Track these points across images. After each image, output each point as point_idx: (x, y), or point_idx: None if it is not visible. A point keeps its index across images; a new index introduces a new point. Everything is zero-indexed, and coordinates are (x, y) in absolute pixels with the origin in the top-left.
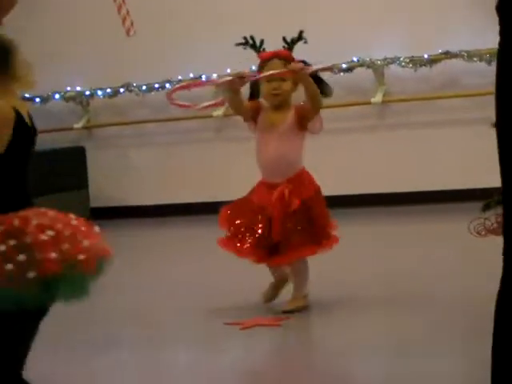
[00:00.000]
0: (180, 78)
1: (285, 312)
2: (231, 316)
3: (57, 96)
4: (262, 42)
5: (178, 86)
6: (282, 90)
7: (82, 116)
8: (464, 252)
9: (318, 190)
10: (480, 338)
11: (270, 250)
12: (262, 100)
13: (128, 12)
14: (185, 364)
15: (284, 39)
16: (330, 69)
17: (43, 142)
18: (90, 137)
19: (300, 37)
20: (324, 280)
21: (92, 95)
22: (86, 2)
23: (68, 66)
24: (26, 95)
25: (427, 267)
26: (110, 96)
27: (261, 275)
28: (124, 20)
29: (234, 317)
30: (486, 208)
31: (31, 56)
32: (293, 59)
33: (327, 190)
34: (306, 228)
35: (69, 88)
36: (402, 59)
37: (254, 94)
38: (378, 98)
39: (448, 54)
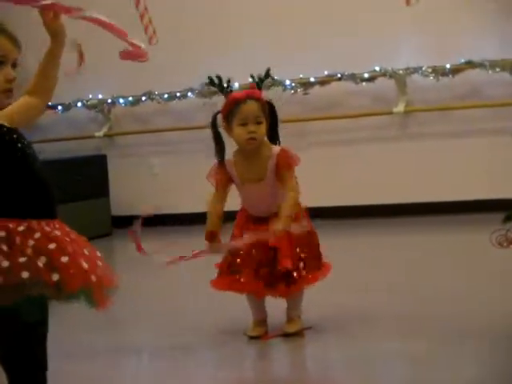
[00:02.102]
0: (201, 86)
1: (288, 334)
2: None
3: (79, 104)
4: (228, 81)
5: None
6: (259, 134)
7: (103, 124)
8: (487, 264)
9: (307, 215)
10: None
11: (269, 281)
12: (227, 160)
13: (150, 20)
14: (204, 374)
15: (252, 77)
16: (303, 227)
17: (65, 150)
18: (111, 145)
19: (267, 74)
20: (341, 291)
21: (114, 103)
22: (107, 10)
23: (90, 74)
24: (49, 103)
25: (451, 284)
26: (132, 104)
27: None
28: (146, 28)
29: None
30: (508, 219)
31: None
32: (263, 100)
33: (349, 201)
34: (309, 254)
35: (91, 96)
36: (424, 69)
37: (220, 144)
38: (399, 107)
39: (470, 64)
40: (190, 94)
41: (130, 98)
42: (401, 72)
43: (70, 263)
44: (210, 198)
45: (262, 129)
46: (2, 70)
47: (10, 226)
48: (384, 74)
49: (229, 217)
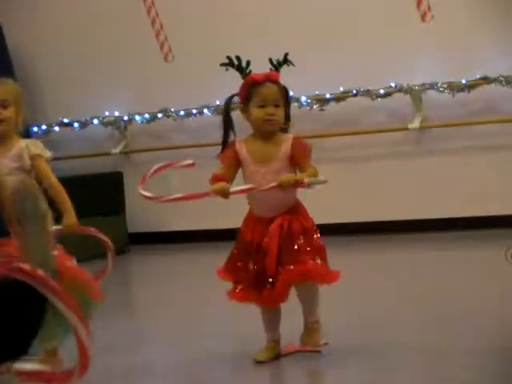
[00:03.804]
0: (218, 103)
1: (307, 350)
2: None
3: (95, 121)
4: (248, 63)
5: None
6: (277, 116)
7: (119, 141)
8: (503, 280)
9: (314, 224)
10: None
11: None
12: (237, 138)
13: (166, 37)
14: None
15: (270, 61)
16: (322, 183)
17: (81, 167)
18: (127, 162)
19: (285, 59)
20: (355, 307)
21: (130, 120)
22: (124, 28)
23: (106, 91)
24: (65, 120)
25: (468, 297)
26: (148, 121)
27: (289, 303)
28: (162, 46)
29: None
30: None
31: (70, 81)
32: (281, 84)
33: (365, 217)
34: (311, 250)
35: (107, 113)
36: (439, 84)
37: (227, 125)
38: (415, 123)
39: (486, 80)
40: (205, 110)
41: (146, 115)
42: (416, 88)
43: None
44: (212, 181)
45: (280, 112)
46: None
47: None
48: (399, 90)
49: (231, 235)
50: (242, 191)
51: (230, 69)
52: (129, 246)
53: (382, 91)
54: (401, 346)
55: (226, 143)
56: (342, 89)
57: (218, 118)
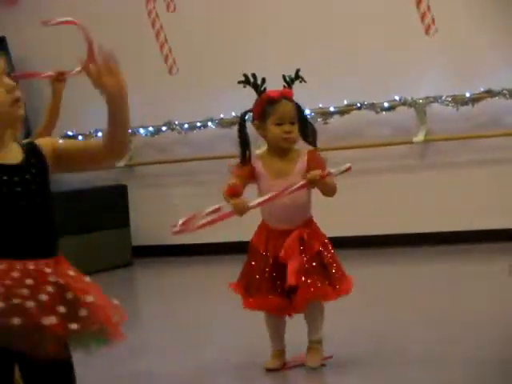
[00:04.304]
0: (222, 116)
1: (313, 368)
2: (268, 355)
3: (99, 134)
4: (263, 80)
5: (194, 226)
6: (294, 133)
7: None
8: (503, 294)
9: (326, 238)
10: None
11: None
12: (253, 154)
13: (170, 50)
14: None
15: (284, 77)
16: (348, 169)
17: (85, 180)
18: (131, 175)
19: (297, 75)
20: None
21: (134, 133)
22: (128, 41)
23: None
24: (69, 133)
25: (467, 311)
26: (152, 134)
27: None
28: (166, 58)
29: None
30: None
31: (74, 94)
32: (294, 101)
33: (370, 230)
34: (323, 274)
35: None
36: (443, 98)
37: (245, 143)
38: (419, 136)
39: (490, 93)
40: (210, 123)
41: (151, 128)
42: (420, 101)
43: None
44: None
45: (296, 129)
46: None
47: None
48: (404, 103)
49: (235, 249)
50: (261, 203)
51: (235, 82)
52: (133, 259)
53: (386, 104)
54: (405, 357)
55: (244, 159)
56: (346, 102)
57: (223, 131)
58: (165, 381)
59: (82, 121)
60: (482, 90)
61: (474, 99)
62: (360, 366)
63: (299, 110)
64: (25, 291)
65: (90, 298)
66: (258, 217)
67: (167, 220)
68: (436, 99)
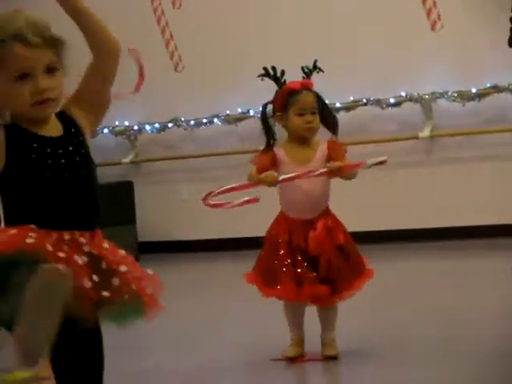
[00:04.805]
0: (228, 112)
1: (327, 357)
2: (278, 352)
3: (105, 130)
4: (282, 72)
5: (216, 191)
6: (315, 123)
7: (130, 150)
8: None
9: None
10: None
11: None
12: (275, 143)
13: (176, 47)
14: None
15: (302, 69)
16: (383, 162)
17: None
18: (138, 171)
19: (315, 66)
20: (366, 321)
21: (140, 130)
22: (134, 38)
23: (116, 101)
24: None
25: (472, 307)
26: (159, 131)
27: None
28: (172, 55)
29: (281, 352)
30: None
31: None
32: (315, 91)
33: (375, 225)
34: (348, 263)
35: (117, 123)
36: (450, 93)
37: (270, 133)
38: (426, 132)
39: (496, 88)
40: (216, 120)
41: (157, 125)
42: (427, 97)
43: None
44: (251, 172)
45: (317, 119)
46: (27, 85)
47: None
48: (410, 99)
49: (242, 244)
50: (287, 179)
51: (241, 78)
52: (139, 255)
53: (392, 100)
54: (408, 353)
55: (268, 145)
56: (352, 98)
57: (228, 128)
58: (174, 377)
59: None
60: (488, 85)
61: (480, 95)
62: (364, 361)
63: (320, 100)
64: (61, 255)
65: (123, 268)
66: (264, 213)
67: (173, 216)
68: (442, 95)
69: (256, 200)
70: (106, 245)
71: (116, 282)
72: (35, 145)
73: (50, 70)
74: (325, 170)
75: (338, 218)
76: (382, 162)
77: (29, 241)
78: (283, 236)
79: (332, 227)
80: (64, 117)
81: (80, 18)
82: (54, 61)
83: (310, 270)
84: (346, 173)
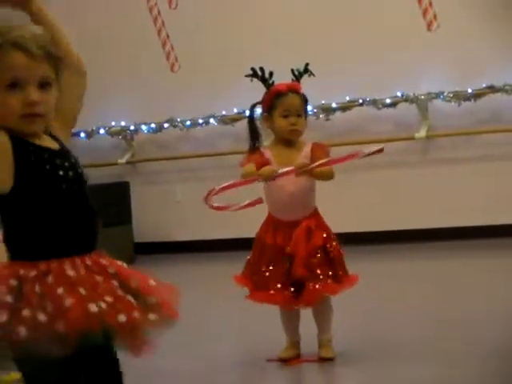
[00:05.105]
0: (224, 112)
1: (323, 359)
2: (274, 353)
3: (101, 131)
4: (271, 73)
5: (218, 189)
6: (299, 126)
7: (126, 151)
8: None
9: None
10: None
11: (295, 291)
12: (262, 145)
13: (172, 47)
14: None
15: (292, 71)
16: (380, 151)
17: (87, 177)
18: (134, 172)
19: (306, 69)
20: (358, 323)
21: (136, 130)
22: (130, 38)
23: (113, 101)
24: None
25: (469, 308)
26: (155, 131)
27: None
28: (168, 55)
29: (277, 353)
30: None
31: None
32: (302, 94)
33: (371, 226)
34: (328, 266)
35: (113, 123)
36: (445, 94)
37: (254, 134)
38: (421, 133)
39: (492, 89)
40: (212, 120)
41: (153, 125)
42: (422, 97)
43: (73, 307)
44: (246, 169)
45: (302, 121)
46: (18, 94)
47: (21, 272)
48: (406, 99)
49: (237, 245)
50: (288, 172)
51: (237, 79)
52: (135, 256)
53: (388, 100)
54: (406, 353)
55: (253, 148)
56: (348, 98)
57: (224, 128)
58: (171, 377)
59: (84, 118)
60: (483, 85)
61: (476, 95)
62: (361, 362)
63: (306, 102)
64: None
65: (152, 283)
66: (259, 214)
67: (170, 217)
68: (438, 95)
69: (260, 201)
70: (119, 262)
71: (153, 300)
72: (46, 155)
73: (43, 85)
74: (289, 168)
75: (324, 221)
76: (378, 151)
77: (93, 310)
78: (270, 238)
79: (314, 229)
80: (50, 134)
81: (40, 20)
82: (49, 76)
83: (285, 272)
84: (317, 172)
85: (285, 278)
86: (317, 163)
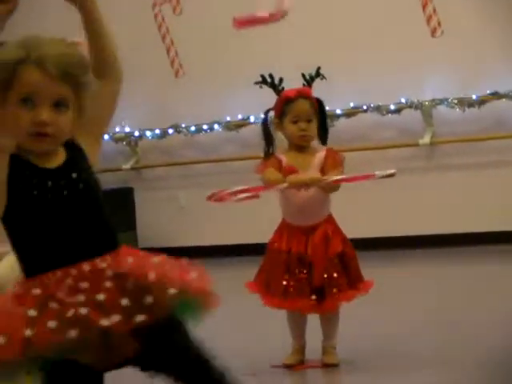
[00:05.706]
0: (228, 118)
1: (328, 365)
2: (279, 358)
3: (106, 137)
4: (280, 80)
5: (234, 190)
6: (310, 131)
7: (130, 157)
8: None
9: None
10: None
11: (317, 299)
12: (277, 150)
13: (177, 53)
14: None
15: (303, 76)
16: (393, 175)
17: None
18: (138, 178)
19: (318, 73)
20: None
21: (141, 136)
22: (135, 44)
23: (117, 107)
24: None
25: (478, 314)
26: (159, 137)
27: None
28: (173, 61)
29: (281, 359)
30: None
31: None
32: (313, 98)
33: (375, 232)
34: (345, 272)
35: (118, 129)
36: (450, 100)
37: (269, 140)
38: (426, 139)
39: (496, 95)
40: (216, 126)
41: (157, 131)
42: (427, 103)
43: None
44: (270, 175)
45: (313, 127)
46: (29, 110)
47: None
48: (410, 105)
49: (242, 251)
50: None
51: (242, 85)
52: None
53: (392, 107)
54: (416, 360)
55: (268, 155)
56: (352, 104)
57: (229, 134)
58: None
59: None
60: (488, 92)
61: (481, 101)
62: (370, 368)
63: (320, 106)
64: (80, 297)
65: (151, 276)
66: (262, 220)
67: (174, 222)
68: (442, 101)
69: (257, 196)
70: (130, 259)
71: (149, 299)
72: (35, 180)
73: (58, 105)
74: (284, 185)
75: (339, 226)
76: (391, 175)
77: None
78: (285, 244)
79: (331, 236)
80: (68, 142)
81: (90, 19)
82: (66, 98)
83: (305, 279)
84: (325, 186)
85: (305, 286)
86: (330, 179)
